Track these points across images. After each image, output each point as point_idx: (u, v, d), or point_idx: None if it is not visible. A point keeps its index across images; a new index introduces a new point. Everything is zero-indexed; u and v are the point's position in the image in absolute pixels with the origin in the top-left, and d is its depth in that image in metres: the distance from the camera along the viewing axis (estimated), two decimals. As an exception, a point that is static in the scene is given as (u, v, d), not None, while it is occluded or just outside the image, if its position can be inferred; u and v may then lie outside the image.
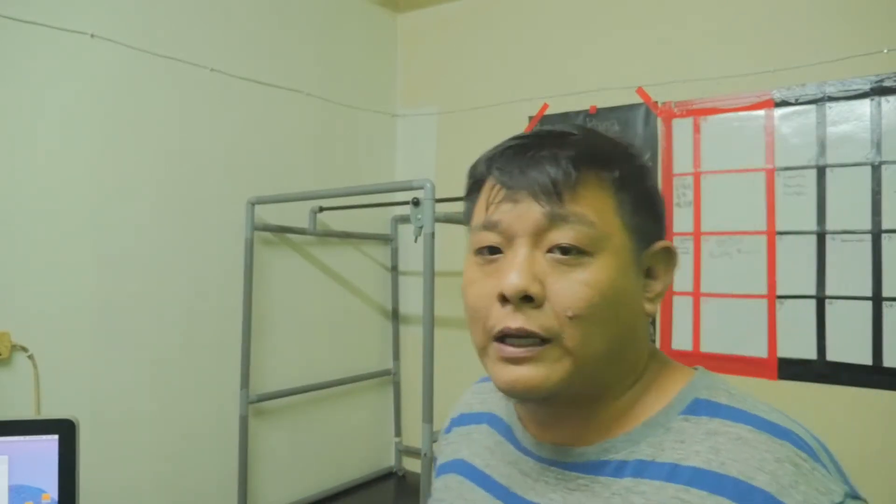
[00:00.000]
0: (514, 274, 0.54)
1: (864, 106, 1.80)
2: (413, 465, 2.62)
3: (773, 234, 1.91)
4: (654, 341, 2.09)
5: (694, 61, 2.05)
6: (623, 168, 0.58)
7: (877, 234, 1.77)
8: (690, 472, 0.53)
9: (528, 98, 2.36)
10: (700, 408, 0.58)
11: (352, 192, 2.07)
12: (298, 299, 2.30)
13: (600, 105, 2.22)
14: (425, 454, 1.59)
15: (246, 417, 2.06)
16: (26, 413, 1.58)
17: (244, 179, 2.10)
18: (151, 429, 1.85)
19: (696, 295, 2.03)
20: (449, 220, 1.80)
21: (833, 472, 0.54)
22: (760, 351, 1.92)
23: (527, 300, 0.54)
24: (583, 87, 2.25)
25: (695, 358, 2.02)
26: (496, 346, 0.56)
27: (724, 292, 1.99)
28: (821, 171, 1.85)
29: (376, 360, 2.62)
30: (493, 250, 0.58)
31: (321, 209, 2.29)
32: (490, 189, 0.59)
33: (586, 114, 2.25)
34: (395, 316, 2.67)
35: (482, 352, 0.59)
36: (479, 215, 0.60)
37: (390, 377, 2.67)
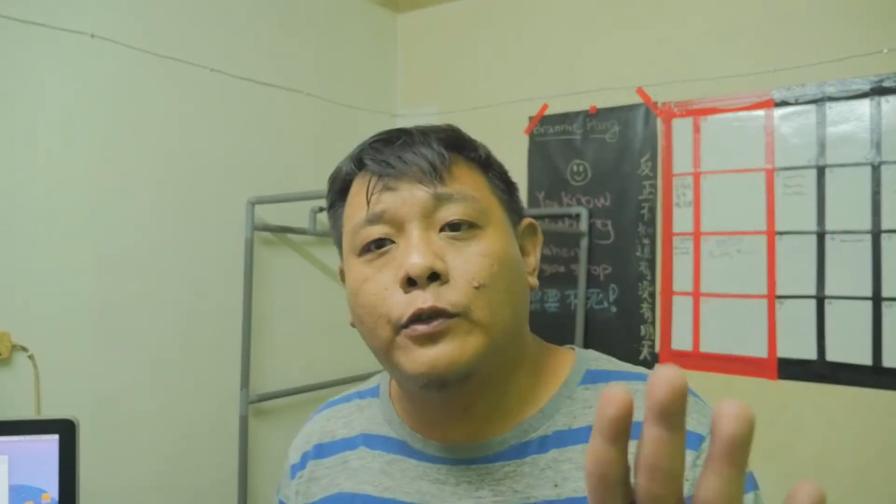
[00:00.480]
0: (415, 254, 0.53)
1: (864, 106, 1.80)
2: (413, 465, 2.62)
3: (772, 234, 1.91)
4: (652, 342, 2.09)
5: (694, 61, 2.05)
6: (482, 150, 0.62)
7: (877, 234, 1.77)
8: None
9: (528, 98, 2.36)
10: (595, 377, 0.62)
11: (352, 192, 2.06)
12: (298, 299, 2.30)
13: (600, 105, 2.22)
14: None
15: (246, 417, 2.06)
16: (26, 413, 1.58)
17: (244, 179, 2.10)
18: (151, 429, 1.85)
19: (696, 295, 2.03)
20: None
21: (700, 397, 0.63)
22: (760, 351, 1.92)
23: (433, 278, 0.53)
24: (583, 87, 2.25)
25: (695, 358, 2.02)
26: (407, 331, 0.54)
27: (723, 292, 1.99)
28: (821, 171, 1.85)
29: (376, 360, 2.62)
30: (381, 243, 0.57)
31: (321, 209, 2.29)
32: (365, 183, 0.58)
33: (586, 114, 2.25)
34: (395, 316, 2.67)
35: (388, 347, 0.56)
36: (356, 213, 0.59)
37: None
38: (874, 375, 1.76)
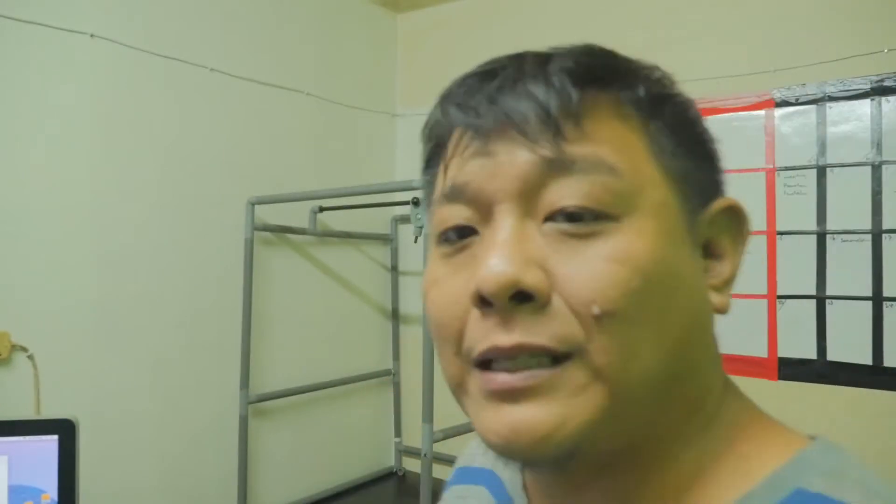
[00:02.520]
0: (494, 259, 0.34)
1: (865, 106, 1.79)
2: (413, 465, 2.62)
3: (773, 234, 1.91)
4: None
5: (694, 61, 2.05)
6: (652, 87, 0.38)
7: (877, 234, 1.77)
8: None
9: (528, 98, 2.36)
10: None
11: (352, 192, 2.06)
12: (298, 299, 2.30)
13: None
14: (425, 454, 1.59)
15: (246, 417, 2.06)
16: (26, 413, 1.58)
17: (244, 179, 2.10)
18: (151, 429, 1.85)
19: (697, 295, 2.03)
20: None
21: None
22: (760, 351, 1.92)
23: (522, 298, 0.34)
24: (583, 87, 2.25)
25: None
26: (480, 376, 0.35)
27: (724, 292, 1.98)
28: (821, 171, 1.85)
29: (376, 360, 2.62)
30: (464, 232, 0.38)
31: (321, 209, 2.29)
32: (455, 143, 0.39)
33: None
34: (395, 316, 2.67)
35: (458, 389, 0.38)
36: (439, 183, 0.40)
37: (390, 377, 2.67)
38: (874, 375, 1.76)
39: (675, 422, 0.37)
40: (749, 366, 1.93)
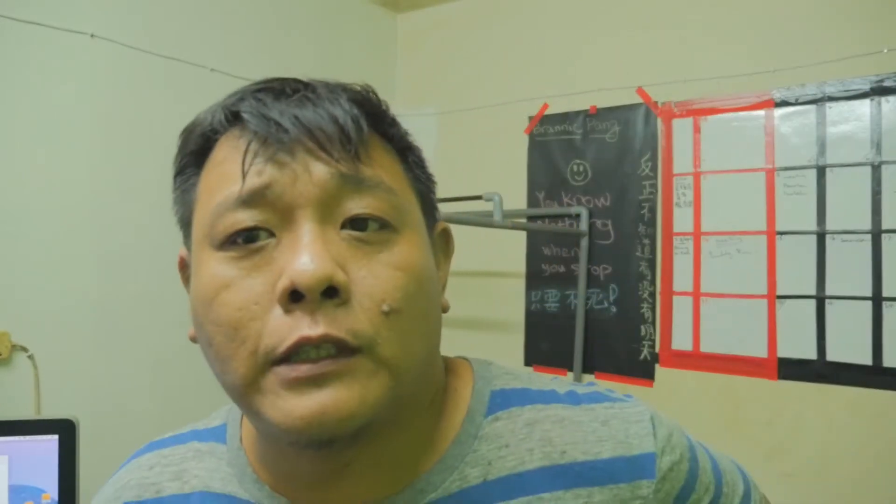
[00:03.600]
0: (306, 257, 0.37)
1: (864, 106, 1.79)
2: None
3: (773, 234, 1.91)
4: (652, 342, 2.09)
5: (694, 61, 2.05)
6: (402, 129, 0.46)
7: (877, 234, 1.77)
8: (536, 476, 0.45)
9: (528, 98, 2.36)
10: (502, 401, 0.48)
11: (352, 192, 2.06)
12: (298, 299, 2.30)
13: (600, 105, 2.22)
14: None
15: (246, 417, 2.06)
16: (26, 413, 1.58)
17: (244, 179, 2.10)
18: (151, 429, 1.84)
19: (696, 295, 2.03)
20: (449, 220, 1.80)
21: (617, 397, 0.51)
22: (760, 351, 1.92)
23: (329, 294, 0.38)
24: (583, 87, 2.25)
25: (695, 358, 2.02)
26: (280, 369, 0.38)
27: (724, 292, 1.99)
28: (821, 171, 1.85)
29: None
30: (252, 236, 0.40)
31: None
32: (240, 147, 0.41)
33: (586, 114, 2.25)
34: (395, 316, 2.67)
35: (250, 388, 0.39)
36: (222, 187, 0.41)
37: (390, 377, 2.67)
38: (874, 375, 1.76)
39: (420, 399, 0.46)
40: (749, 366, 1.93)
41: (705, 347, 2.01)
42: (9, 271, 1.57)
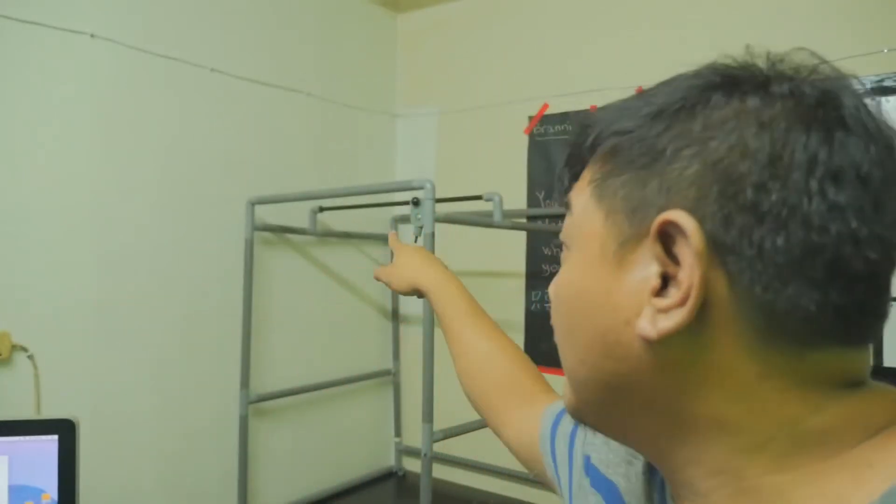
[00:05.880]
0: None
1: (864, 106, 1.79)
2: (413, 465, 2.62)
3: (773, 234, 1.91)
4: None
5: (694, 61, 2.04)
6: (588, 131, 0.47)
7: (877, 234, 1.77)
8: None
9: (528, 98, 2.36)
10: None
11: (352, 192, 2.06)
12: (298, 299, 2.30)
13: (600, 105, 2.21)
14: (425, 454, 1.59)
15: (246, 417, 2.06)
16: (26, 413, 1.58)
17: (244, 179, 2.10)
18: (151, 429, 1.85)
19: (696, 295, 2.03)
20: (449, 220, 1.80)
21: None
22: (760, 351, 1.92)
23: None
24: (583, 87, 2.25)
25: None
26: None
27: (724, 292, 1.98)
28: (821, 171, 1.85)
29: (376, 360, 2.62)
30: None
31: (321, 209, 2.29)
32: None
33: (586, 114, 2.25)
34: (395, 316, 2.67)
35: None
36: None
37: (390, 377, 2.67)
38: (874, 375, 1.75)
39: (646, 423, 0.39)
40: (749, 366, 1.93)
41: (705, 347, 2.01)
42: (9, 271, 1.57)
